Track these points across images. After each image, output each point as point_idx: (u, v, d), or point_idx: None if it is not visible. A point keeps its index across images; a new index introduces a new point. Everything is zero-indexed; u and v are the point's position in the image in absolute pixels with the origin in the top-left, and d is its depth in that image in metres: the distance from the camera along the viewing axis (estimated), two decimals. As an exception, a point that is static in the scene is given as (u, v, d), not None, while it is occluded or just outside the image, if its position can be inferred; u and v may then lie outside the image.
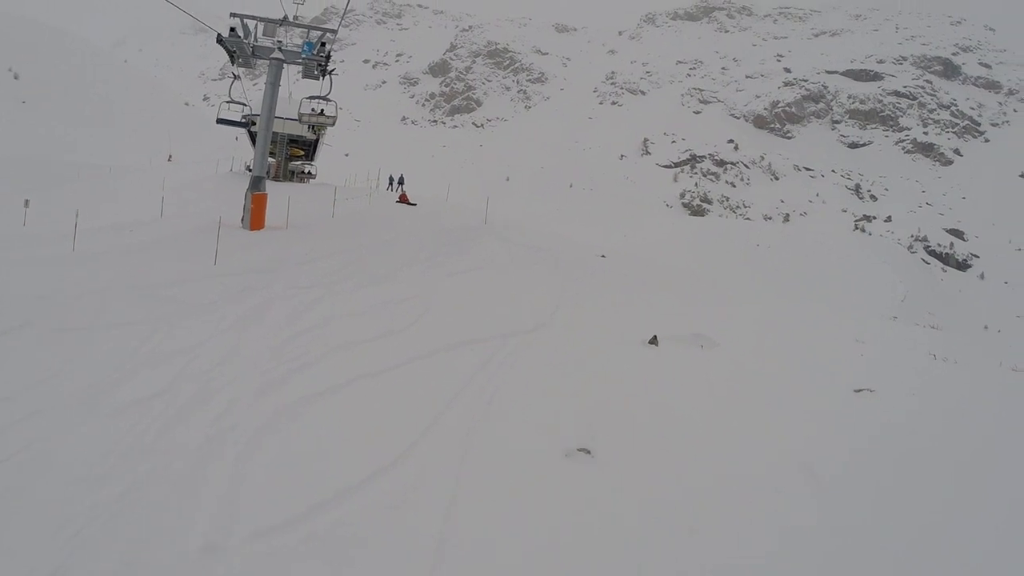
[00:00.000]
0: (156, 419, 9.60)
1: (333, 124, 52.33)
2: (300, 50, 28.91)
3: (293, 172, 58.91)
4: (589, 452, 9.31)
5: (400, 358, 12.97)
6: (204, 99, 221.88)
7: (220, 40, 27.79)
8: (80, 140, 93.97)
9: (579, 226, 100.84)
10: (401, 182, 62.54)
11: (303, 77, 32.83)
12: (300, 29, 29.93)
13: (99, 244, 22.10)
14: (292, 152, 57.79)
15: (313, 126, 52.19)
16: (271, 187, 31.77)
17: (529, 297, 19.38)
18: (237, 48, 28.53)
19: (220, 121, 39.96)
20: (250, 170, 58.65)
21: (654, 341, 15.69)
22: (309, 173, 61.13)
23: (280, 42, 28.98)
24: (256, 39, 29.07)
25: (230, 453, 8.78)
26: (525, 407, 11.01)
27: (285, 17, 29.37)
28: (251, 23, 28.96)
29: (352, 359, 12.82)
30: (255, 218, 26.88)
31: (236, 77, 32.74)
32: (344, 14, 26.47)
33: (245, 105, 37.13)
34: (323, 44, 29.03)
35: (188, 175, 53.60)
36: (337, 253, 22.68)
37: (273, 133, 51.06)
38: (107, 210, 32.71)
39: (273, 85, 29.07)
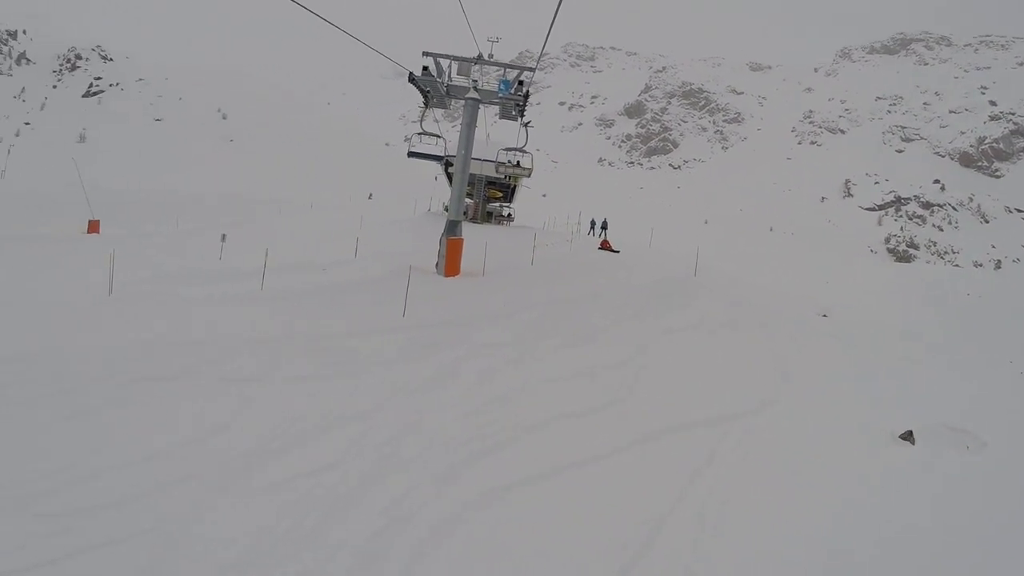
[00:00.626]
0: (318, 502, 8.86)
1: (528, 175, 51.72)
2: (496, 89, 28.32)
3: (491, 214, 58.87)
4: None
5: (607, 444, 11.95)
6: (404, 140, 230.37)
7: (412, 79, 27.74)
8: (282, 178, 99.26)
9: (780, 272, 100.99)
10: (604, 227, 61.15)
11: (500, 118, 33.42)
12: (496, 69, 29.38)
13: (288, 283, 22.43)
14: (490, 194, 57.45)
15: (509, 176, 53.26)
16: (468, 229, 31.16)
17: (751, 366, 18.34)
18: (431, 87, 28.27)
19: (412, 155, 38.05)
20: (447, 211, 60.20)
21: (908, 437, 13.85)
22: (508, 216, 61.60)
23: (475, 81, 28.44)
24: (450, 78, 28.86)
25: (400, 554, 7.97)
26: (759, 534, 9.60)
27: (480, 55, 28.97)
28: (444, 62, 28.67)
29: (550, 441, 11.76)
30: (450, 264, 26.56)
31: (427, 106, 31.40)
32: (541, 55, 24.07)
33: (439, 137, 35.72)
34: (520, 83, 28.33)
35: (386, 214, 55.92)
36: (536, 306, 21.79)
37: (471, 175, 49.06)
38: (303, 246, 33.19)
39: (469, 126, 28.34)
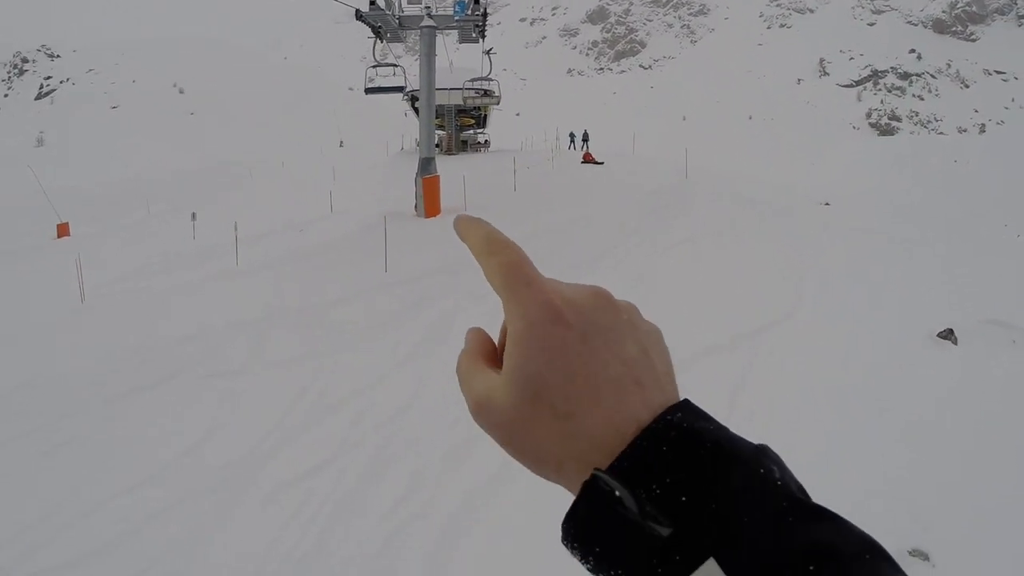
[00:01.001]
0: (318, 509, 7.94)
1: (498, 103, 51.65)
2: (452, 12, 26.52)
3: (466, 142, 57.60)
4: (927, 557, 6.98)
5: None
6: (370, 81, 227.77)
7: (360, 16, 25.99)
8: (250, 141, 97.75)
9: (765, 160, 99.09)
10: (586, 139, 58.59)
11: (460, 42, 31.05)
12: None
13: (266, 252, 21.71)
14: (462, 122, 56.11)
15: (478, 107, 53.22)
16: (444, 162, 30.53)
17: (765, 273, 17.13)
18: (381, 21, 26.69)
19: (370, 91, 33.30)
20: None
21: (948, 335, 12.27)
22: (484, 143, 60.30)
23: (428, 8, 26.64)
24: (401, 9, 27.26)
25: (416, 565, 7.04)
26: (809, 460, 7.44)
27: None
28: None
29: None
30: (429, 204, 25.56)
31: (378, 37, 28.80)
32: None
33: (397, 66, 32.00)
34: (476, 2, 26.44)
35: (359, 161, 54.81)
36: (525, 238, 19.15)
37: (439, 106, 47.74)
38: (278, 209, 32.33)
39: (428, 56, 26.94)
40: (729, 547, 0.53)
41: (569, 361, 0.69)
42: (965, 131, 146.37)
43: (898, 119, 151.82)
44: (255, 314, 14.69)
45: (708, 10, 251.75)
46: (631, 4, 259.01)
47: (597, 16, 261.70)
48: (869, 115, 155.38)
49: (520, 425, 0.70)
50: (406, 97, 50.01)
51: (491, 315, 12.80)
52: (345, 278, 17.66)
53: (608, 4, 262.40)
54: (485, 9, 26.77)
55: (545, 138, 69.64)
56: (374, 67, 31.25)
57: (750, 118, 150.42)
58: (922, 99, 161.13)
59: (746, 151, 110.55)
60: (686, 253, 18.99)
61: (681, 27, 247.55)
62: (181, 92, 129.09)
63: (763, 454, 0.60)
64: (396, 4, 27.06)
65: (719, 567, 0.52)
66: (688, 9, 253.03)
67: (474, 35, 29.06)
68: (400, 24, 27.18)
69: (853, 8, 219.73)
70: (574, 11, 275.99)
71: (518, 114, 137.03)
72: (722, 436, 0.60)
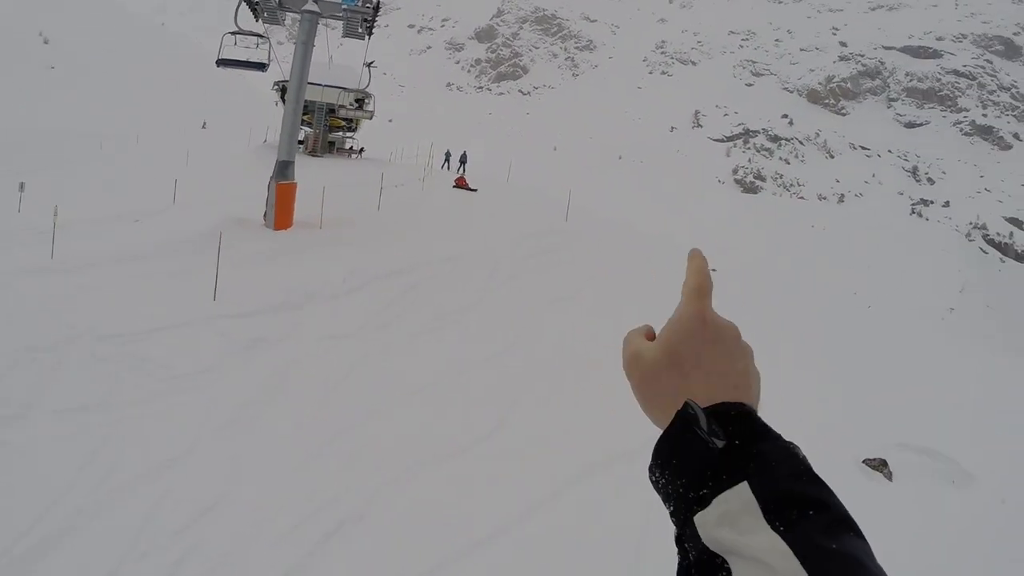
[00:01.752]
0: None
1: (371, 118, 50.90)
2: (344, 7, 23.95)
3: (333, 143, 54.41)
4: None
5: (512, 507, 8.91)
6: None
7: None
8: (110, 108, 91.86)
9: (631, 201, 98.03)
10: (463, 161, 56.17)
11: (344, 36, 27.66)
12: None
13: (88, 246, 17.85)
14: (332, 123, 52.53)
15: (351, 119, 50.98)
16: (306, 164, 28.37)
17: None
18: None
19: (223, 63, 27.42)
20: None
21: (879, 467, 11.46)
22: (352, 149, 57.22)
23: None
24: None
25: None
26: None
27: None
28: None
29: (422, 509, 8.59)
30: (280, 214, 22.42)
31: (253, 13, 25.01)
32: None
33: (261, 37, 26.08)
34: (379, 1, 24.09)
35: (218, 147, 50.93)
36: (385, 273, 18.37)
37: (310, 102, 46.17)
38: (121, 190, 28.66)
39: (305, 44, 23.28)
40: (759, 477, 0.82)
41: (699, 349, 1.05)
42: (825, 199, 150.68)
43: (763, 179, 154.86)
44: (49, 337, 11.54)
45: (595, 47, 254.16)
46: (521, 28, 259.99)
47: (485, 35, 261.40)
48: (736, 171, 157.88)
49: (654, 375, 1.08)
50: (276, 87, 48.75)
51: (341, 372, 11.57)
52: (167, 299, 14.29)
53: (498, 25, 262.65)
54: (378, 3, 24.38)
55: (418, 153, 65.90)
56: (233, 34, 25.82)
57: (620, 158, 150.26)
58: (788, 163, 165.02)
59: (613, 189, 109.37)
60: (567, 313, 17.49)
61: (566, 58, 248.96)
62: (46, 42, 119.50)
63: (795, 445, 0.87)
64: None
65: (750, 490, 0.82)
66: (576, 42, 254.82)
67: (360, 30, 26.15)
68: (280, 3, 23.92)
69: (734, 67, 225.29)
70: (464, 26, 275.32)
71: (391, 120, 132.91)
72: (771, 428, 0.89)
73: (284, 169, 22.89)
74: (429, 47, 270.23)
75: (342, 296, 16.27)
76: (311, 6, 22.79)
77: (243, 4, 24.17)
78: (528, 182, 56.85)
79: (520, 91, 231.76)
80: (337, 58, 49.50)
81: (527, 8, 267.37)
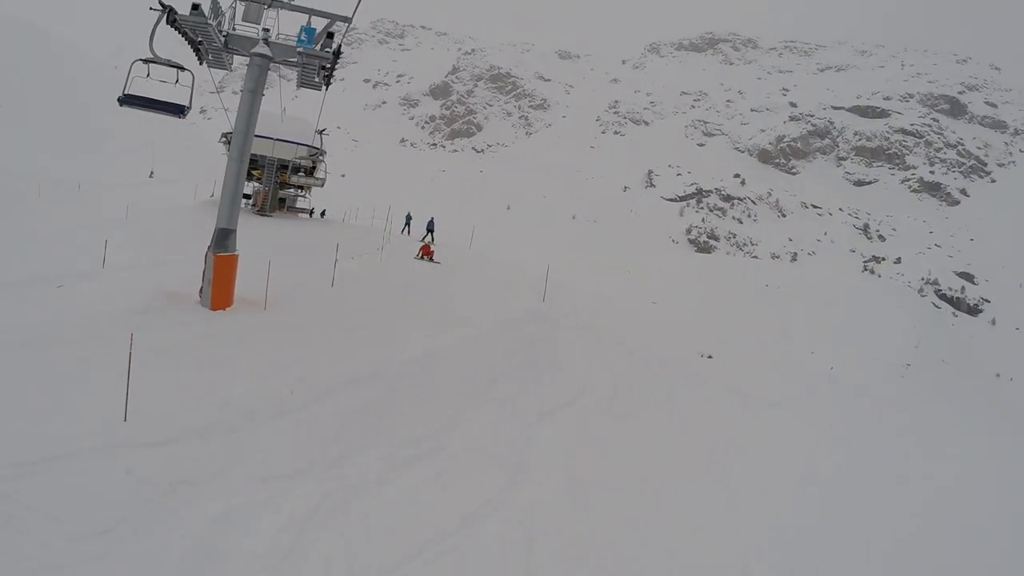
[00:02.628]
0: None
1: (322, 186, 50.46)
2: (296, 41, 20.47)
3: (283, 200, 52.07)
4: None
5: None
6: (201, 111, 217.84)
7: (173, 20, 18.98)
8: (56, 150, 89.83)
9: (585, 261, 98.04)
10: (431, 229, 51.18)
11: (300, 86, 23.98)
12: (298, 17, 20.71)
13: None
14: (283, 179, 50.28)
15: (300, 186, 50.51)
16: (252, 225, 27.58)
17: (682, 472, 14.01)
18: (201, 34, 20.00)
19: (128, 101, 21.07)
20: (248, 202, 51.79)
21: None
22: (308, 211, 55.22)
23: (267, 31, 20.64)
24: (233, 25, 21.09)
25: None
26: None
27: None
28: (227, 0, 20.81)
29: None
30: (218, 292, 19.85)
31: (196, 54, 21.57)
32: (356, 7, 18.27)
33: (183, 70, 20.40)
34: (330, 35, 20.77)
35: (160, 200, 49.07)
36: (344, 382, 15.52)
37: (259, 156, 46.02)
38: (50, 244, 27.51)
39: (254, 92, 20.61)
40: None
41: None
42: (778, 257, 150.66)
43: (716, 238, 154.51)
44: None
45: (549, 106, 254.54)
46: (475, 86, 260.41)
47: (440, 92, 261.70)
48: (689, 231, 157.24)
49: None
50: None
51: (290, 537, 9.22)
52: (68, 407, 11.52)
53: (453, 82, 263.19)
54: (338, 49, 20.89)
55: (374, 214, 64.99)
56: (146, 62, 20.35)
57: (574, 217, 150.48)
58: (741, 222, 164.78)
59: (567, 249, 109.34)
60: (568, 428, 15.32)
61: (520, 117, 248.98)
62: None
63: None
64: (226, 17, 21.04)
65: None
66: (530, 101, 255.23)
67: (317, 79, 22.69)
68: (226, 44, 20.98)
69: (686, 127, 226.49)
70: (419, 82, 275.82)
71: (343, 175, 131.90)
72: None
73: (224, 238, 20.35)
74: (384, 102, 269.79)
75: (289, 414, 13.43)
76: (262, 48, 20.33)
77: (176, 31, 20.02)
78: (485, 243, 56.15)
79: (474, 148, 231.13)
80: (290, 110, 48.86)
81: (482, 66, 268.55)
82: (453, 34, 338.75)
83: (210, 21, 19.49)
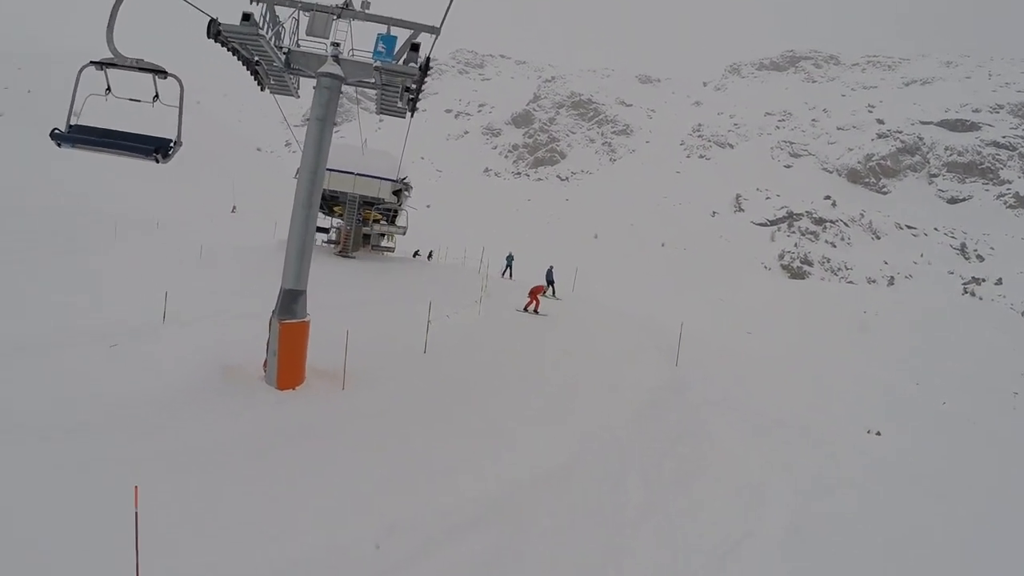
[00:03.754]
0: None
1: (404, 233, 48.98)
2: (372, 54, 16.70)
3: (368, 236, 49.49)
4: None
5: None
6: (286, 145, 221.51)
7: (216, 32, 15.76)
8: (136, 187, 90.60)
9: (676, 291, 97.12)
10: (550, 280, 43.78)
11: (380, 112, 20.59)
12: (375, 27, 17.12)
13: (19, 393, 13.77)
14: (366, 216, 47.30)
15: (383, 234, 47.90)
16: (333, 268, 27.19)
17: None
18: (254, 51, 16.95)
19: (68, 138, 15.36)
20: (326, 238, 50.48)
21: None
22: (388, 248, 52.26)
23: (337, 47, 17.08)
24: (297, 41, 17.68)
25: None
26: None
27: (348, 2, 17.12)
28: (285, 10, 17.10)
29: None
30: (285, 369, 16.70)
31: (254, 77, 18.87)
32: (444, 19, 14.85)
33: (164, 76, 15.49)
34: (414, 47, 16.69)
35: (239, 236, 48.60)
36: (446, 531, 11.04)
37: (339, 193, 43.84)
38: (115, 290, 26.44)
39: (323, 121, 16.93)
40: None
41: None
42: (874, 282, 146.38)
43: (810, 263, 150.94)
44: None
45: (632, 131, 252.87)
46: (557, 113, 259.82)
47: (522, 120, 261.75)
48: (782, 256, 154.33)
49: None
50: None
51: None
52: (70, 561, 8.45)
53: (534, 110, 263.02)
54: (427, 64, 16.77)
55: (465, 253, 62.57)
56: (102, 66, 15.00)
57: (663, 245, 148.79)
58: (834, 246, 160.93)
59: (658, 278, 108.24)
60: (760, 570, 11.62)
61: (603, 143, 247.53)
62: (76, 116, 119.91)
63: None
64: (286, 30, 17.44)
65: None
66: (612, 127, 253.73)
67: (401, 104, 19.11)
68: (288, 64, 17.59)
69: (772, 149, 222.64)
70: (500, 111, 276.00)
71: (429, 206, 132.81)
72: None
73: (291, 302, 17.10)
74: (467, 132, 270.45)
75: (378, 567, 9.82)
76: (331, 67, 16.80)
77: (224, 46, 16.79)
78: (579, 277, 55.00)
79: (558, 176, 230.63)
80: (372, 143, 47.30)
81: (563, 93, 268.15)
82: (532, 62, 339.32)
83: (264, 33, 16.07)
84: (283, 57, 17.53)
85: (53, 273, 31.08)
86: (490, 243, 74.44)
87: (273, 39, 16.96)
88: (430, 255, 59.01)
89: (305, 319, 17.41)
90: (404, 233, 49.69)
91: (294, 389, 16.92)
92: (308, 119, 17.41)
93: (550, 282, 43.83)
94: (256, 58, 17.64)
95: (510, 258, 53.23)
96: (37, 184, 76.67)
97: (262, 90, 19.48)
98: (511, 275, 51.29)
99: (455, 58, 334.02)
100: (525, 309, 34.94)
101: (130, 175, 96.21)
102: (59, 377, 15.55)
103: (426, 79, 17.60)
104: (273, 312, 17.18)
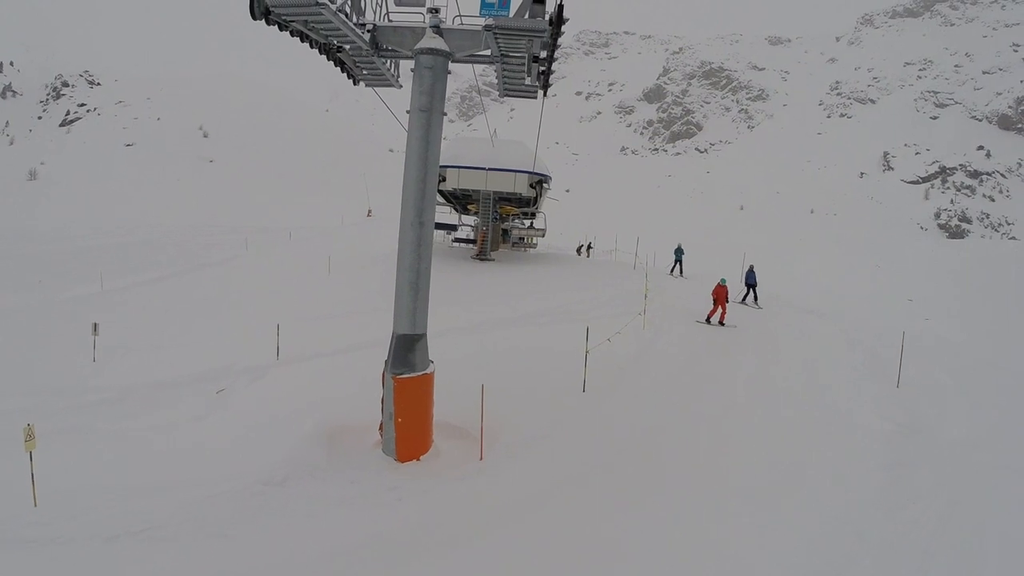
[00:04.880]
0: None
1: (543, 236, 45.05)
2: (481, 12, 12.10)
3: (507, 232, 45.36)
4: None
5: None
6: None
7: (267, 12, 11.64)
8: (268, 198, 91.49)
9: (832, 260, 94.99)
10: (751, 284, 35.09)
11: (505, 94, 15.79)
12: None
13: (81, 465, 12.84)
14: (503, 211, 43.63)
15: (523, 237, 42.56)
16: (468, 274, 24.38)
17: None
18: (325, 28, 12.56)
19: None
20: (455, 237, 46.77)
21: None
22: (530, 244, 46.56)
23: (437, 13, 12.83)
24: (386, 14, 13.63)
25: None
26: None
27: None
28: None
29: None
30: (404, 438, 13.07)
31: (342, 69, 15.02)
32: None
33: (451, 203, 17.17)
34: (562, 7, 11.96)
35: (371, 243, 44.74)
36: None
37: (472, 190, 40.19)
38: (236, 318, 25.29)
39: (428, 112, 12.78)
40: None
41: None
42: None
43: (968, 221, 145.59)
44: None
45: (767, 95, 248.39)
46: (689, 85, 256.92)
47: (654, 95, 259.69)
48: (938, 215, 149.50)
49: None
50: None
51: None
52: None
53: (665, 84, 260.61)
54: (559, 15, 11.93)
55: (616, 244, 56.12)
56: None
57: (812, 211, 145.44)
58: (993, 200, 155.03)
59: (810, 248, 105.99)
60: None
61: (739, 111, 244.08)
62: (205, 136, 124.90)
63: None
64: (368, 2, 13.32)
65: None
66: (747, 93, 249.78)
67: (529, 80, 14.54)
68: (376, 44, 13.53)
69: (916, 100, 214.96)
70: (631, 88, 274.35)
71: (568, 191, 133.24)
72: None
73: (407, 350, 13.14)
74: (599, 113, 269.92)
75: None
76: (431, 41, 12.66)
77: (282, 28, 12.34)
78: (735, 254, 51.51)
79: (697, 149, 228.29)
80: (503, 134, 44.86)
81: (693, 64, 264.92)
82: (658, 35, 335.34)
83: (330, 3, 11.44)
84: (367, 36, 13.27)
85: (191, 292, 31.53)
86: (637, 224, 73.32)
87: (352, 14, 12.80)
88: (589, 248, 55.58)
89: (427, 371, 13.35)
90: (543, 235, 45.67)
91: (418, 460, 13.23)
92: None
93: (750, 286, 35.18)
94: (334, 42, 13.25)
95: (679, 252, 44.00)
96: (169, 212, 79.98)
97: (355, 84, 15.89)
98: (681, 271, 43.09)
99: (579, 40, 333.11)
100: (708, 320, 27.78)
101: (262, 191, 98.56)
102: (141, 442, 14.33)
103: (559, 38, 12.77)
104: (386, 362, 13.29)
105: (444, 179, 36.02)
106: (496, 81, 15.74)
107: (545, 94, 15.15)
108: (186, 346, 21.71)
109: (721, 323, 27.49)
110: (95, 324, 21.86)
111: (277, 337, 20.62)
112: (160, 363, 19.21)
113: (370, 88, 16.17)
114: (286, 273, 35.67)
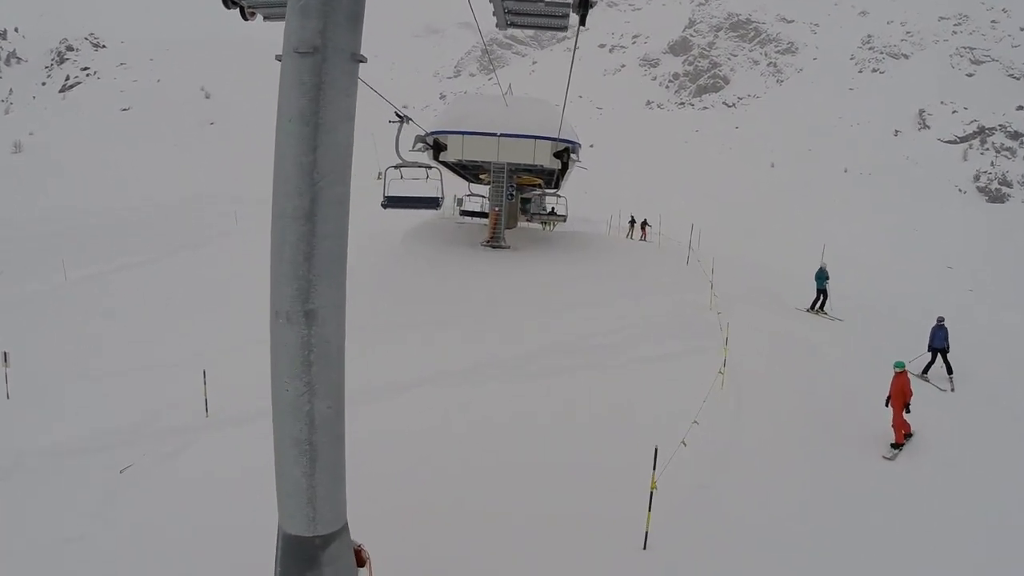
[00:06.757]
0: None
1: (565, 220, 41.20)
2: None
3: (527, 201, 42.40)
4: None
5: None
6: (440, 97, 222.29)
7: None
8: (269, 165, 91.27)
9: (868, 226, 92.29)
10: (821, 286, 29.49)
11: (508, 24, 8.18)
12: None
13: None
14: (521, 182, 38.99)
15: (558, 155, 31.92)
16: (475, 272, 24.34)
17: None
18: None
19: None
20: (463, 210, 42.28)
21: None
22: (551, 214, 42.79)
23: None
24: None
25: None
26: None
27: None
28: None
29: None
30: None
31: (403, 120, 18.73)
32: None
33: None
34: None
35: (373, 221, 36.73)
36: None
37: (483, 162, 34.42)
38: (188, 335, 22.46)
39: (319, 53, 6.98)
40: None
41: None
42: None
43: (1009, 184, 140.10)
44: None
45: (796, 49, 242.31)
46: (716, 37, 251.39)
47: (679, 47, 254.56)
48: (977, 177, 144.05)
49: None
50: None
51: None
52: None
53: (691, 36, 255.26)
54: None
55: (660, 225, 47.43)
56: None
57: (845, 171, 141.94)
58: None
59: (847, 213, 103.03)
60: None
61: (767, 64, 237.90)
62: (208, 97, 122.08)
63: None
64: None
65: None
66: (775, 46, 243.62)
67: (559, 18, 8.39)
68: None
69: (951, 56, 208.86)
70: (656, 40, 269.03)
71: (592, 146, 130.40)
72: None
73: (305, 565, 6.60)
74: (623, 65, 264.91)
75: None
76: None
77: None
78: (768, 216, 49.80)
79: (724, 103, 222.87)
80: (521, 91, 40.14)
81: (720, 15, 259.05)
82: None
83: None
84: None
85: (160, 287, 29.97)
86: (665, 183, 70.53)
87: None
88: (644, 226, 47.34)
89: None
90: (565, 220, 41.34)
91: None
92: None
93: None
94: None
95: (822, 277, 29.91)
96: (160, 183, 77.62)
97: (245, 20, 9.68)
98: (823, 305, 29.81)
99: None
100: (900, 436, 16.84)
101: (266, 155, 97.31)
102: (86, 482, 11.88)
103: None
104: None
105: (445, 148, 31.24)
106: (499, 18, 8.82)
107: (583, 22, 8.16)
108: (111, 382, 18.37)
109: (899, 444, 16.61)
110: (5, 353, 18.50)
111: (204, 387, 15.94)
112: (72, 410, 16.03)
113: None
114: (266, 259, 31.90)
